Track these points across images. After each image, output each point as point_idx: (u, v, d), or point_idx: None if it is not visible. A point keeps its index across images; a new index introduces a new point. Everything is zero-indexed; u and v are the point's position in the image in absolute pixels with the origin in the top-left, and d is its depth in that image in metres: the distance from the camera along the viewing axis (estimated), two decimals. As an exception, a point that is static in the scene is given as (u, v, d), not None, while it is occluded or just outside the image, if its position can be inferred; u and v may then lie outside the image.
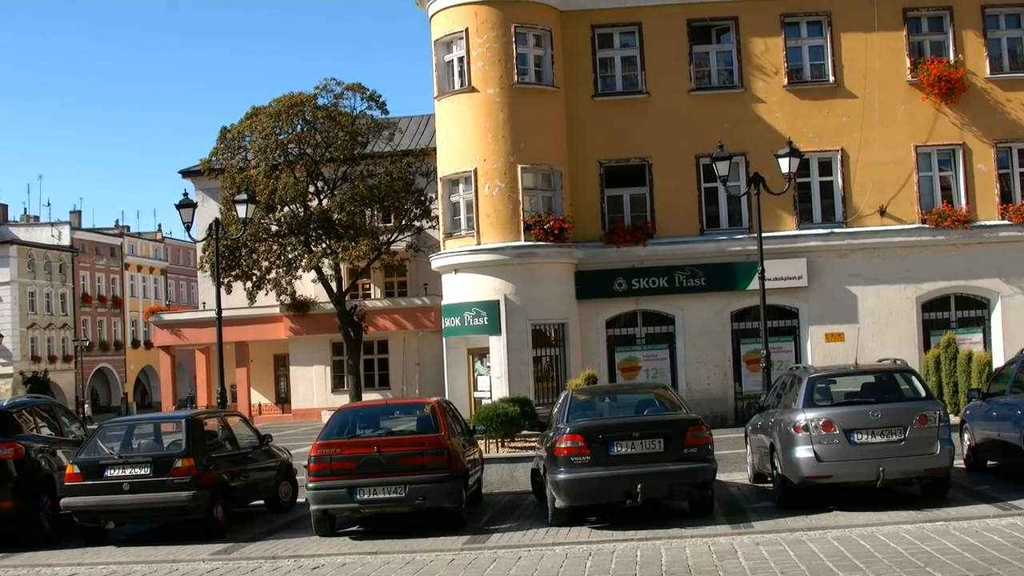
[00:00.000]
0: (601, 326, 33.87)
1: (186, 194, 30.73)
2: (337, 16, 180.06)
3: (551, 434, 18.19)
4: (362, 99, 48.48)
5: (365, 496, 17.02)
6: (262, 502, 21.04)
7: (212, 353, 48.44)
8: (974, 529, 14.92)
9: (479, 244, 32.90)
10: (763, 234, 28.90)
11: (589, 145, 33.85)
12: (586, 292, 33.54)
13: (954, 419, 23.39)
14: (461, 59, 33.49)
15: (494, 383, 32.64)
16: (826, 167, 34.09)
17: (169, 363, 59.93)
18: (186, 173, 58.09)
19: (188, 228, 30.01)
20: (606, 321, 33.95)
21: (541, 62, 33.67)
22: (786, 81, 34.05)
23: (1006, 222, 33.70)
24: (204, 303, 58.77)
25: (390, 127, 49.72)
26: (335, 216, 46.81)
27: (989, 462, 21.41)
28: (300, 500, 20.94)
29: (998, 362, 30.19)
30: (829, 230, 33.66)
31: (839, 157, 33.85)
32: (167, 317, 62.02)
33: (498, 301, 32.38)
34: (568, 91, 33.91)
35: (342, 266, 48.90)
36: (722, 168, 28.64)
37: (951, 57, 34.00)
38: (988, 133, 33.95)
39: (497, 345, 32.63)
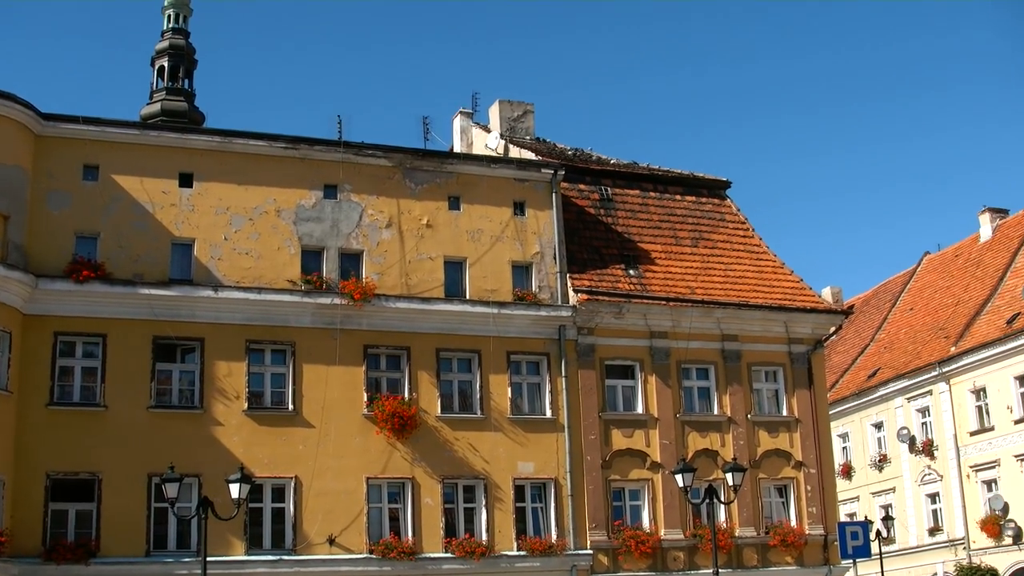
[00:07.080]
0: (29, 651, 31.59)
1: None
2: None
3: None
4: None
5: None
6: None
7: None
8: None
9: (-94, 555, 30.27)
10: (209, 558, 28.67)
11: (38, 455, 32.28)
12: (20, 612, 31.42)
13: None
14: (-85, 355, 31.56)
15: None
16: (279, 493, 34.29)
17: None
18: None
19: None
20: (35, 646, 31.71)
21: (-3, 364, 32.28)
22: (246, 406, 34.38)
23: (450, 555, 35.14)
24: None
25: None
26: None
27: None
28: None
29: None
30: (278, 557, 33.56)
31: (293, 484, 34.22)
32: None
33: (-82, 622, 29.80)
34: (22, 396, 32.44)
35: None
36: (171, 490, 28.38)
37: (406, 395, 35.85)
38: (436, 469, 35.70)
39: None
